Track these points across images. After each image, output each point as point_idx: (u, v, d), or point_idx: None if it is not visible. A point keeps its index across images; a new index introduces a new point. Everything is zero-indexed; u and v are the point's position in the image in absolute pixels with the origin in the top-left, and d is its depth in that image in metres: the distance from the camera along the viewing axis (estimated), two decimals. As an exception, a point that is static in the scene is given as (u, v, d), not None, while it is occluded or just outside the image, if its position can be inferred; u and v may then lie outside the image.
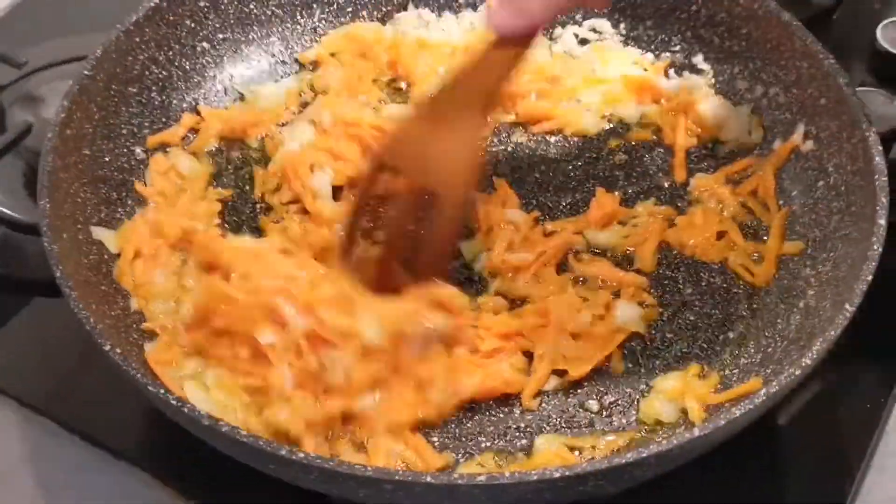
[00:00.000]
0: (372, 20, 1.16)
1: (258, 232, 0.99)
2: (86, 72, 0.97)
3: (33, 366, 0.97)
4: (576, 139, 1.07)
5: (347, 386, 0.84)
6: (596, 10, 1.14)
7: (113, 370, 0.81)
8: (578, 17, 1.15)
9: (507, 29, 0.84)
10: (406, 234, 0.90)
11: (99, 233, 0.94)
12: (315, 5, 1.14)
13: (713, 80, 1.09)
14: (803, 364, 0.78)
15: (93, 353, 0.90)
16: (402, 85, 1.12)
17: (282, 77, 1.12)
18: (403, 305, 0.87)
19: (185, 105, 1.07)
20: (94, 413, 0.93)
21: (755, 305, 0.94)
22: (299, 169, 1.01)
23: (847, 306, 0.81)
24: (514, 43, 0.86)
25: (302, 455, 0.73)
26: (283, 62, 1.13)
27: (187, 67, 1.07)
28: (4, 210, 1.04)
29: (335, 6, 1.14)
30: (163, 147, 1.04)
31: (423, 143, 0.88)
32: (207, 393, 0.85)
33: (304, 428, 0.82)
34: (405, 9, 1.16)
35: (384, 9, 1.16)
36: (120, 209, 0.98)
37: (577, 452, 0.85)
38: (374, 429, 0.84)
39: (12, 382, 0.95)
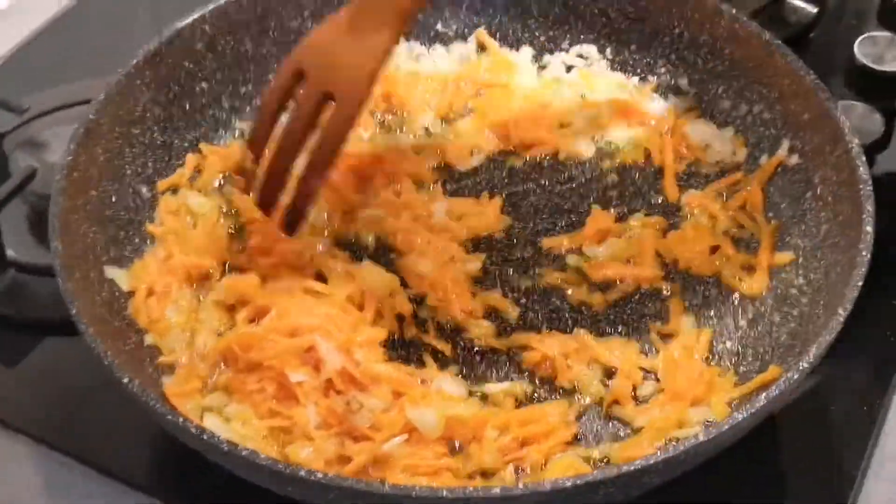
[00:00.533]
0: (364, 55, 1.18)
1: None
2: (90, 115, 0.99)
3: (46, 403, 0.98)
4: (569, 163, 1.10)
5: (373, 431, 0.86)
6: (581, 36, 1.17)
7: (131, 403, 0.83)
8: (565, 44, 1.18)
9: None
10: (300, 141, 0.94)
11: (111, 272, 0.97)
12: (309, 43, 1.17)
13: (698, 102, 1.12)
14: (801, 368, 0.81)
15: (104, 388, 0.93)
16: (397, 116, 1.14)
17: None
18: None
19: (186, 144, 1.10)
20: (107, 445, 0.94)
21: (750, 316, 0.97)
22: None
23: (840, 311, 0.84)
24: None
25: (321, 475, 0.75)
26: (280, 99, 1.16)
27: (187, 107, 1.10)
28: (12, 253, 1.06)
29: (328, 43, 1.17)
30: (171, 188, 1.06)
31: (334, 50, 0.94)
32: (228, 425, 0.88)
33: (324, 466, 0.84)
34: (396, 43, 1.19)
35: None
36: (128, 247, 1.01)
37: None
38: (393, 468, 0.85)
39: (26, 420, 0.97)
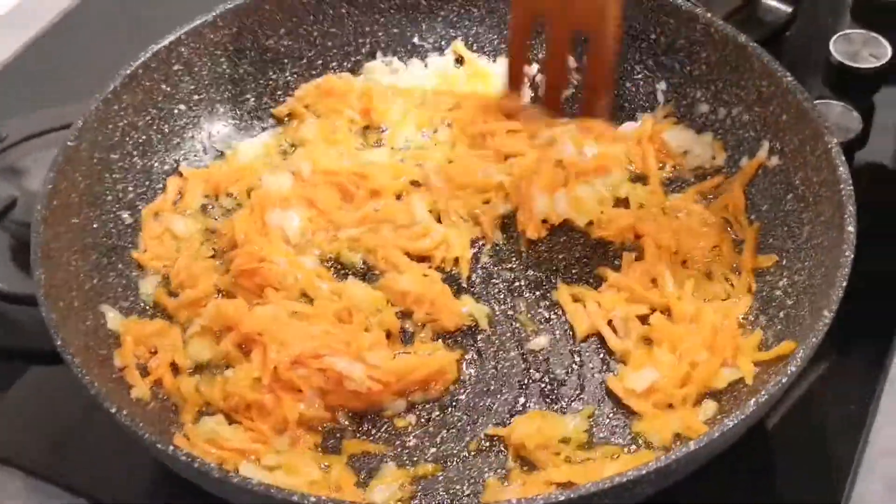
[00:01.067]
0: (342, 71, 1.18)
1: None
2: (69, 142, 0.99)
3: (33, 433, 0.98)
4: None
5: None
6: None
7: (119, 432, 0.83)
8: (543, 54, 1.18)
9: None
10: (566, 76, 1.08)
11: (105, 309, 0.96)
12: (286, 61, 1.16)
13: (676, 108, 1.12)
14: (788, 371, 0.81)
15: (91, 417, 0.94)
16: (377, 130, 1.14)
17: (259, 132, 1.15)
18: None
19: (166, 167, 1.09)
20: (95, 474, 0.94)
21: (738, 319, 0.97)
22: (265, 202, 1.04)
23: (825, 313, 0.84)
24: None
25: (314, 499, 0.74)
26: (259, 118, 1.15)
27: (166, 130, 1.10)
28: (-6, 283, 1.06)
29: (305, 60, 1.17)
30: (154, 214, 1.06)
31: None
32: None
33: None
34: (374, 57, 1.19)
35: (353, 59, 1.19)
36: (112, 273, 1.00)
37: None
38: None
39: (13, 450, 0.96)
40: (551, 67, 1.10)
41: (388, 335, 0.96)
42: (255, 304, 0.97)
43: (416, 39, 1.20)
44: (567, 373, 0.95)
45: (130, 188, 1.06)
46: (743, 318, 0.96)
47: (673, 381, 0.91)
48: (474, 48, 1.20)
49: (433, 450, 0.90)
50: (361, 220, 1.05)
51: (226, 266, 1.01)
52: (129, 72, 1.05)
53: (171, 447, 0.79)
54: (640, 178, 1.09)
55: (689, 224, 1.02)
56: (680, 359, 0.92)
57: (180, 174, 1.09)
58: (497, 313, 1.00)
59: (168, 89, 1.10)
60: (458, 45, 1.19)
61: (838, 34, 1.21)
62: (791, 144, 1.01)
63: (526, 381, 0.95)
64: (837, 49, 1.20)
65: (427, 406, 0.93)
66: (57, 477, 0.94)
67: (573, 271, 1.02)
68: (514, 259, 1.04)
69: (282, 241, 1.02)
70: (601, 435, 0.90)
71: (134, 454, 0.91)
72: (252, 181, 1.09)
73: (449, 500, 0.87)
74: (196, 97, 1.12)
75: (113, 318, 0.96)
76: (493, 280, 1.02)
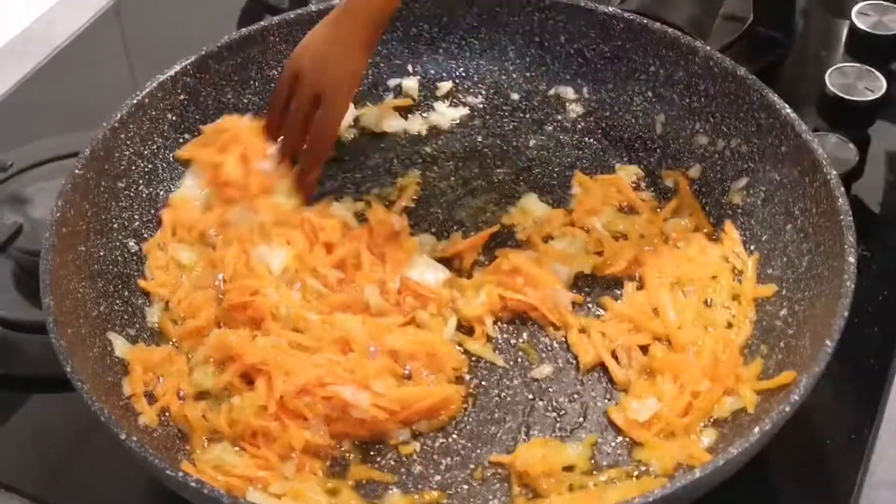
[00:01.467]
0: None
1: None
2: (76, 170, 1.00)
3: (37, 460, 0.98)
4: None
5: None
6: (558, 77, 1.19)
7: (125, 457, 0.84)
8: (543, 85, 1.20)
9: None
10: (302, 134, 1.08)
11: (112, 337, 0.97)
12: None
13: (675, 139, 1.14)
14: (792, 400, 0.82)
15: (94, 444, 0.96)
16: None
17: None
18: None
19: (172, 195, 1.10)
20: (97, 500, 0.95)
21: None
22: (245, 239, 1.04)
23: (827, 342, 0.85)
24: None
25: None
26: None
27: (171, 159, 1.11)
28: (0, 312, 1.06)
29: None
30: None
31: (320, 53, 1.06)
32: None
33: None
34: (376, 88, 1.21)
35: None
36: (118, 301, 1.01)
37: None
38: None
39: (18, 478, 0.97)
40: (289, 123, 1.08)
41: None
42: (254, 335, 0.97)
43: (418, 70, 1.22)
44: (570, 401, 0.96)
45: (136, 216, 1.07)
46: (744, 347, 0.97)
47: (675, 411, 0.92)
48: (475, 79, 1.22)
49: (438, 477, 0.91)
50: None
51: (218, 300, 1.01)
52: (135, 101, 1.07)
53: (181, 473, 0.79)
54: (632, 210, 1.10)
55: (688, 254, 1.04)
56: (681, 388, 0.93)
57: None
58: (500, 342, 1.00)
59: (174, 118, 1.11)
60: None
61: (833, 67, 1.23)
62: (790, 176, 1.02)
63: (529, 410, 0.95)
64: (833, 82, 1.22)
65: (432, 433, 0.94)
66: (57, 502, 0.95)
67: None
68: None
69: (269, 275, 1.02)
70: (604, 462, 0.91)
71: (133, 480, 0.93)
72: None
73: (454, 528, 0.87)
74: (202, 126, 1.13)
75: (120, 345, 0.97)
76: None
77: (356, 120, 1.19)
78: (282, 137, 1.09)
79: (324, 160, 1.10)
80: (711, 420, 0.92)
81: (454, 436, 0.94)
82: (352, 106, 1.18)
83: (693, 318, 0.99)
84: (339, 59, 1.06)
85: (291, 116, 1.07)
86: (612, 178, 1.12)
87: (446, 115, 1.20)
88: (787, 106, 1.03)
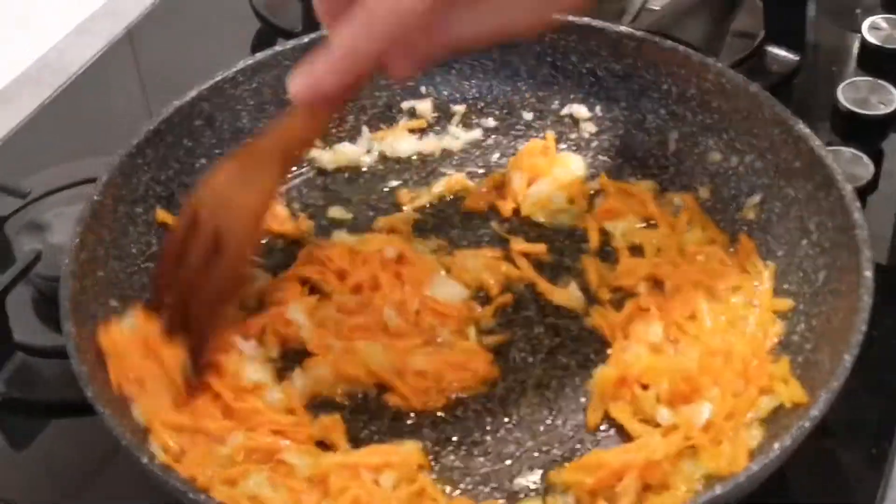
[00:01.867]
0: (358, 123, 1.20)
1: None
2: (95, 196, 1.01)
3: (56, 485, 0.99)
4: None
5: None
6: (570, 95, 1.19)
7: (145, 482, 0.84)
8: (555, 104, 1.20)
9: (304, 100, 0.87)
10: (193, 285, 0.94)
11: None
12: (303, 114, 1.18)
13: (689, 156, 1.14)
14: (811, 416, 0.82)
15: (112, 469, 0.97)
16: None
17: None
18: None
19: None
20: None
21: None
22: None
23: (846, 357, 0.85)
24: (313, 112, 0.92)
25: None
26: (277, 171, 1.17)
27: (188, 183, 1.11)
28: (18, 336, 1.07)
29: (322, 113, 1.19)
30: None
31: (224, 192, 0.94)
32: None
33: None
34: (390, 110, 1.22)
35: (369, 112, 1.21)
36: (137, 326, 1.01)
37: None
38: None
39: (35, 500, 0.97)
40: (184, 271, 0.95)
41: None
42: None
43: (431, 91, 1.22)
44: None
45: (153, 241, 1.07)
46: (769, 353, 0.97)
47: (721, 414, 0.91)
48: (488, 99, 1.22)
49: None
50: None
51: None
52: (152, 127, 1.07)
53: (203, 496, 0.80)
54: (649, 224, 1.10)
55: (708, 266, 1.04)
56: (723, 392, 0.93)
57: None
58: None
59: (190, 144, 1.11)
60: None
61: (846, 81, 1.23)
62: (804, 191, 1.02)
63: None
64: (845, 96, 1.22)
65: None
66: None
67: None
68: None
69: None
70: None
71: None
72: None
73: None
74: (217, 151, 1.13)
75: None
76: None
77: (372, 144, 1.20)
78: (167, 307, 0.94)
79: (215, 330, 0.95)
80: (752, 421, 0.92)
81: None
82: (367, 131, 1.19)
83: (724, 325, 0.99)
84: (244, 201, 0.94)
85: (186, 263, 0.94)
86: (633, 186, 1.13)
87: (460, 136, 1.21)
88: (799, 121, 1.03)
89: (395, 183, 1.17)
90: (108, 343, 0.93)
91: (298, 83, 0.86)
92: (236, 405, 0.93)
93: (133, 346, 0.93)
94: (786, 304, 1.00)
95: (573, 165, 1.16)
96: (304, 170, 1.18)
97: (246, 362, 0.97)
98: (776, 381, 0.93)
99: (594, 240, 1.09)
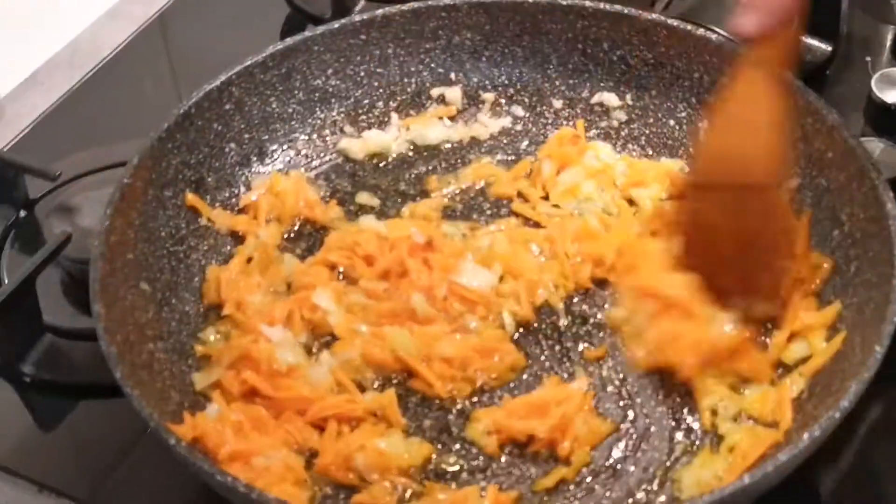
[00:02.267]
0: (388, 110, 1.21)
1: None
2: (125, 179, 1.01)
3: (84, 466, 1.00)
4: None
5: None
6: (601, 84, 1.19)
7: (172, 464, 0.85)
8: (585, 92, 1.20)
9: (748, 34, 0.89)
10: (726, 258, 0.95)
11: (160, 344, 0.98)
12: (333, 100, 1.19)
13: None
14: (841, 407, 0.82)
15: (141, 451, 0.98)
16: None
17: (304, 170, 1.16)
18: None
19: (217, 204, 1.11)
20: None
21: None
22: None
23: (877, 348, 0.84)
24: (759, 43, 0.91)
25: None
26: (307, 156, 1.17)
27: (217, 167, 1.12)
28: (48, 318, 1.07)
29: (352, 100, 1.19)
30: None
31: (721, 145, 0.92)
32: None
33: None
34: (419, 97, 1.21)
35: (399, 98, 1.21)
36: (165, 308, 1.02)
37: None
38: None
39: (66, 483, 0.98)
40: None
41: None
42: None
43: (461, 78, 1.22)
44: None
45: (183, 224, 1.08)
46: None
47: None
48: (518, 86, 1.22)
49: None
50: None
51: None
52: (182, 111, 1.08)
53: (230, 477, 0.80)
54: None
55: None
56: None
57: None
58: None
59: (219, 128, 1.12)
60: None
61: (879, 72, 1.22)
62: (837, 181, 1.02)
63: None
64: (879, 87, 1.21)
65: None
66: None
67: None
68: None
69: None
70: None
71: (181, 486, 0.93)
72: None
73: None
74: (247, 136, 1.14)
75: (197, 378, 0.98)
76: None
77: (401, 132, 1.20)
78: None
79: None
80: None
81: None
82: (396, 118, 1.19)
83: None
84: (754, 133, 0.92)
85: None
86: (660, 163, 1.13)
87: (489, 123, 1.20)
88: (833, 111, 1.02)
89: (423, 169, 1.17)
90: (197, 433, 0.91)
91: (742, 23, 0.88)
92: (278, 395, 0.94)
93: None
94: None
95: (603, 154, 1.15)
96: (332, 156, 1.18)
97: (275, 348, 0.97)
98: (811, 332, 0.94)
99: (624, 210, 1.09)
